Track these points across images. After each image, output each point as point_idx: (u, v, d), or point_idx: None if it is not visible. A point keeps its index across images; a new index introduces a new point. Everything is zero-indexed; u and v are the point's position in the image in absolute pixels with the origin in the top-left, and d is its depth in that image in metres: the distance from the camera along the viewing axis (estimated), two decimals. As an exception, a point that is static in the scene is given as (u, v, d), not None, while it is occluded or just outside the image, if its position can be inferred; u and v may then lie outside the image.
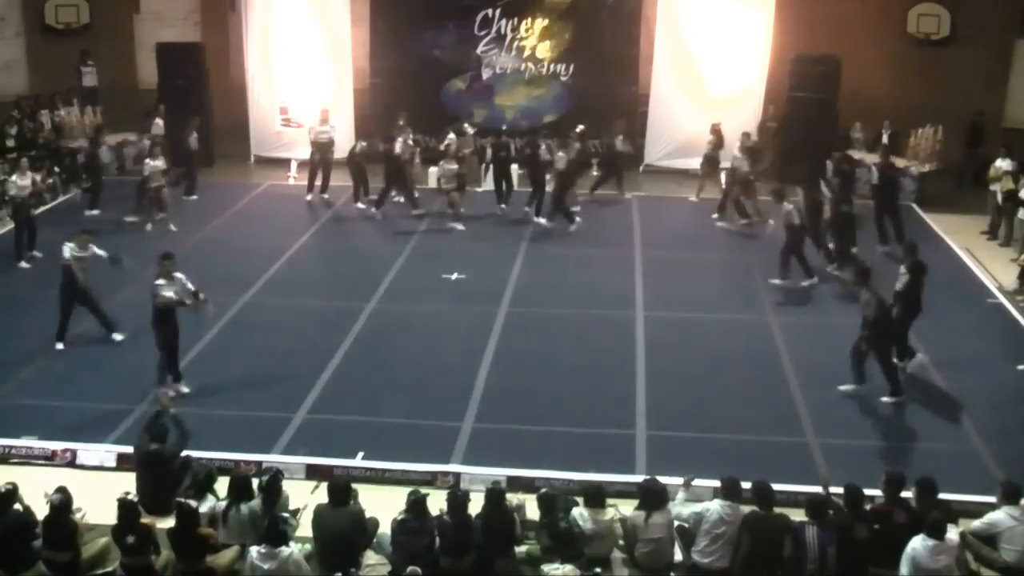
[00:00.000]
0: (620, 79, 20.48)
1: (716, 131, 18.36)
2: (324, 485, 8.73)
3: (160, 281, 10.95)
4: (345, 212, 17.85)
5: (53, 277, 14.35)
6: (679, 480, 8.88)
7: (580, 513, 8.33)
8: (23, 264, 14.85)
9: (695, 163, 19.25)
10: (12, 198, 15.22)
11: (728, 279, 15.07)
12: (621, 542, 8.43)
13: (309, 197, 18.15)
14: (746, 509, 8.19)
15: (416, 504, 8.10)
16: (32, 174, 15.62)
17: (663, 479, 8.79)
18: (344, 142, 18.57)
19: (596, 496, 8.44)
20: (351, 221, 17.53)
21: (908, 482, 8.39)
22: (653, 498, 8.31)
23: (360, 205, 17.77)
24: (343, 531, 8.08)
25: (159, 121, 19.03)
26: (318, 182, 18.32)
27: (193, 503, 8.13)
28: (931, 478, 8.41)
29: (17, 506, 8.11)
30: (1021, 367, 12.03)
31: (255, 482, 8.59)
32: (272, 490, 8.36)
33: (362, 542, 8.18)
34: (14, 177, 15.28)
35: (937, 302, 13.96)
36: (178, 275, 11.10)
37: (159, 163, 16.64)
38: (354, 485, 8.48)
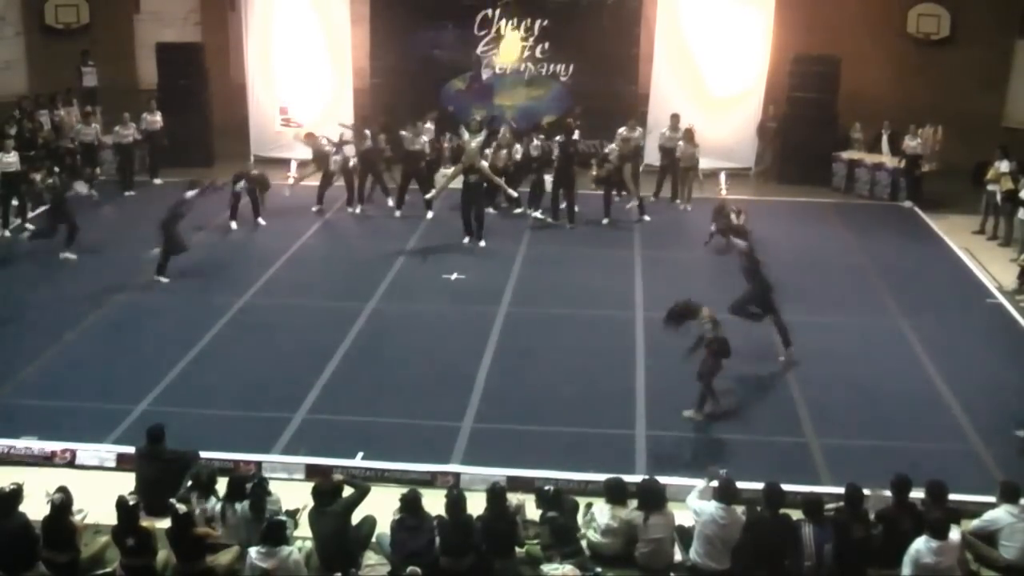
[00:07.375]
0: (620, 79, 20.47)
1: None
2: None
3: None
4: (346, 213, 17.81)
5: (51, 278, 14.46)
6: (679, 480, 8.88)
7: (599, 510, 8.26)
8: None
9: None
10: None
11: (728, 279, 15.02)
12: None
13: (315, 208, 17.71)
14: (740, 510, 8.19)
15: (410, 503, 8.08)
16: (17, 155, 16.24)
17: (663, 479, 8.79)
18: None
19: (618, 492, 8.37)
20: (351, 221, 17.51)
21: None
22: (652, 498, 8.30)
23: (355, 210, 17.65)
24: (333, 533, 8.07)
25: (147, 116, 19.08)
26: (344, 191, 17.85)
27: (184, 507, 8.02)
28: (941, 482, 8.34)
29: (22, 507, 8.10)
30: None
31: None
32: (257, 497, 8.31)
33: (357, 540, 8.18)
34: None
35: (937, 302, 14.03)
36: None
37: None
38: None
